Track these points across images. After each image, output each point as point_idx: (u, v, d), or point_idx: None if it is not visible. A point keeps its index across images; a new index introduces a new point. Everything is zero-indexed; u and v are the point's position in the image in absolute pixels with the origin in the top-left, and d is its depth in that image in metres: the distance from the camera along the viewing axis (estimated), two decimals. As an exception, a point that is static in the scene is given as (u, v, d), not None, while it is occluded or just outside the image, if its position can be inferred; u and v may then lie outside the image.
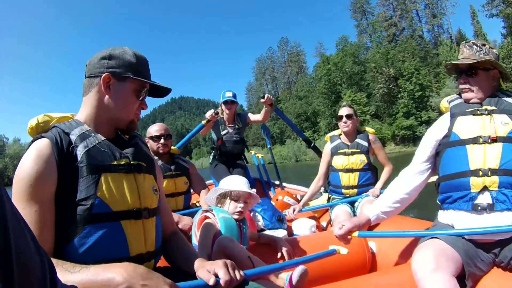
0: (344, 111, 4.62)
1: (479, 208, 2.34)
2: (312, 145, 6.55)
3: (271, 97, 5.56)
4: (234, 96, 5.96)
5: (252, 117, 6.18)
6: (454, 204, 2.50)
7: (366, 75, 70.56)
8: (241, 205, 2.85)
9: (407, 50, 67.62)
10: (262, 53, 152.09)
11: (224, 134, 6.04)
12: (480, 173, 2.37)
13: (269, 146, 7.70)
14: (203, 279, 1.63)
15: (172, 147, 4.47)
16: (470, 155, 2.45)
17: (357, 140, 4.63)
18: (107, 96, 1.78)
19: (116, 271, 1.42)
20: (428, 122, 56.01)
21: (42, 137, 1.67)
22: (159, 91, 2.00)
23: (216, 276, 1.64)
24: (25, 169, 1.55)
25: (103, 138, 1.77)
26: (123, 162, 1.77)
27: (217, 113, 5.73)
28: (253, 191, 2.94)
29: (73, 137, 1.69)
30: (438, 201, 2.68)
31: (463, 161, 2.46)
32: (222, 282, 1.61)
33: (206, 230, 2.61)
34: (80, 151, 1.66)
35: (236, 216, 2.82)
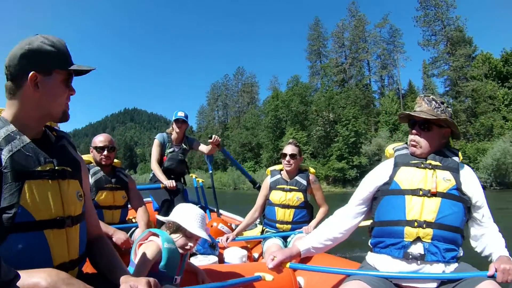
0: (288, 149, 4.70)
1: (410, 256, 2.44)
2: (257, 185, 6.56)
3: (218, 138, 5.89)
4: (186, 116, 6.22)
5: (200, 147, 6.48)
6: (386, 249, 2.58)
7: (309, 116, 73.10)
8: (192, 244, 2.83)
9: (349, 97, 70.42)
10: (218, 79, 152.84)
11: (170, 152, 6.22)
12: (416, 224, 2.46)
13: (210, 171, 7.74)
14: None
15: (115, 160, 4.55)
16: (408, 205, 2.54)
17: (297, 178, 4.73)
18: (37, 95, 1.72)
19: (40, 276, 1.46)
20: (358, 167, 59.65)
21: None
22: (82, 71, 1.91)
23: None
24: None
25: (28, 140, 1.71)
26: (47, 168, 1.73)
27: (176, 186, 5.77)
28: (207, 235, 2.89)
29: None
30: (370, 244, 2.76)
31: (400, 210, 2.55)
32: None
33: (149, 252, 2.56)
34: (4, 155, 1.61)
35: (181, 251, 2.80)
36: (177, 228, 2.77)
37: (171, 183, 5.66)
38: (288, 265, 2.77)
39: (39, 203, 1.65)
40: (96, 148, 4.27)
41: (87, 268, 2.07)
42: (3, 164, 1.58)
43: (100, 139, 4.30)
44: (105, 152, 4.24)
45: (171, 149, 6.23)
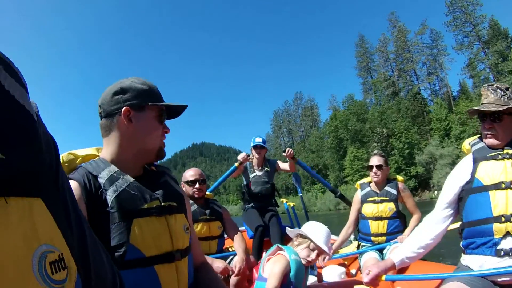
0: (374, 160, 4.72)
1: (502, 253, 2.38)
2: (338, 194, 6.79)
3: (292, 151, 5.84)
4: (264, 142, 6.18)
5: (281, 165, 6.35)
6: (478, 249, 2.54)
7: (366, 132, 76.70)
8: (314, 257, 2.94)
9: (400, 110, 74.34)
10: (279, 106, 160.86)
11: (253, 177, 6.14)
12: (503, 219, 2.39)
13: (300, 194, 7.67)
14: None
15: (207, 192, 4.67)
16: (493, 202, 2.47)
17: (386, 188, 4.68)
18: (131, 129, 1.79)
19: None
20: (416, 177, 63.32)
21: (70, 178, 1.66)
22: (176, 111, 2.01)
23: None
24: None
25: (132, 179, 1.76)
26: (154, 205, 1.76)
27: (248, 155, 6.00)
28: (330, 251, 3.04)
29: (101, 180, 1.69)
30: (461, 246, 2.72)
31: (486, 208, 2.49)
32: None
33: (279, 264, 2.68)
34: (110, 196, 1.66)
35: (304, 262, 2.89)
36: (303, 239, 2.96)
37: (241, 155, 5.95)
38: (383, 277, 2.80)
39: (148, 240, 1.69)
40: (187, 182, 4.39)
41: None
42: (109, 204, 1.64)
43: (190, 173, 4.44)
44: (197, 185, 4.35)
45: (253, 174, 6.19)
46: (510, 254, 2.36)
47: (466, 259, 2.65)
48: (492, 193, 2.50)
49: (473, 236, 2.59)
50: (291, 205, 7.66)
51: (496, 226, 2.42)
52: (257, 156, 6.16)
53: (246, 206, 6.19)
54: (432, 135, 69.84)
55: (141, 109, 1.80)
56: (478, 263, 2.52)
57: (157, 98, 1.87)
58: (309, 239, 2.93)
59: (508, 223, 2.38)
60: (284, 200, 7.79)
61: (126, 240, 1.61)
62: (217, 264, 3.79)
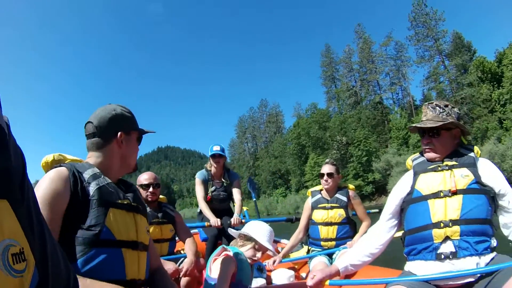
0: (326, 169, 4.83)
1: (443, 256, 2.51)
2: (294, 219, 6.77)
3: (239, 219, 5.69)
4: (222, 150, 6.13)
5: (237, 187, 6.31)
6: (419, 255, 2.66)
7: (326, 140, 78.87)
8: (259, 255, 3.13)
9: (361, 119, 76.74)
10: (244, 112, 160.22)
11: (212, 191, 6.14)
12: (442, 224, 2.53)
13: (254, 199, 7.92)
14: None
15: (161, 196, 4.81)
16: (432, 209, 2.61)
17: (337, 195, 4.84)
18: (122, 149, 2.22)
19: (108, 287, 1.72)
20: (373, 182, 65.83)
21: (60, 166, 2.04)
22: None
23: None
24: (44, 183, 1.87)
25: (109, 180, 2.11)
26: (126, 202, 2.11)
27: (222, 225, 5.65)
28: (274, 251, 3.21)
29: (86, 175, 2.02)
30: (404, 254, 2.84)
31: (425, 215, 2.62)
32: None
33: (226, 264, 2.84)
34: (92, 188, 1.98)
35: (250, 261, 3.07)
36: (247, 240, 3.12)
37: (216, 223, 5.62)
38: (327, 282, 2.85)
39: (120, 227, 2.01)
40: (141, 186, 4.48)
41: None
42: (91, 194, 1.96)
43: (144, 177, 4.55)
44: (151, 189, 4.47)
45: (213, 188, 6.19)
46: (451, 257, 2.49)
47: (409, 265, 2.78)
48: (431, 202, 2.65)
49: (414, 243, 2.73)
50: (244, 209, 7.62)
51: (435, 231, 2.57)
52: (215, 166, 6.18)
53: (201, 214, 6.24)
54: (391, 143, 72.91)
55: (128, 134, 2.25)
56: (421, 268, 2.64)
57: (136, 125, 2.34)
58: (253, 239, 3.09)
59: (447, 228, 2.53)
60: (245, 208, 7.74)
61: (102, 222, 1.91)
62: (168, 266, 3.94)
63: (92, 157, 2.18)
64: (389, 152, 66.74)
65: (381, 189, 65.22)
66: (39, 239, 0.88)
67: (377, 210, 4.51)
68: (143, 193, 4.46)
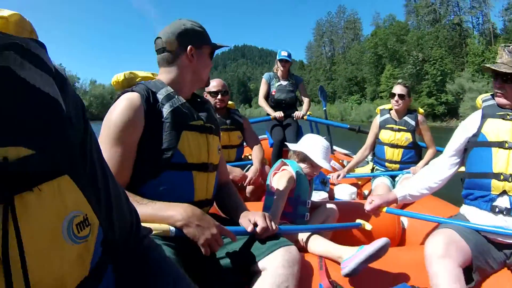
0: (397, 89, 4.77)
1: (497, 210, 2.45)
2: (358, 129, 6.76)
3: (300, 114, 6.40)
4: (289, 56, 6.42)
5: (302, 90, 6.75)
6: (475, 201, 2.62)
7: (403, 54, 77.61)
8: (316, 172, 3.13)
9: (439, 37, 75.24)
10: (322, 16, 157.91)
11: (278, 85, 6.45)
12: (502, 177, 2.46)
13: (324, 108, 7.86)
14: (243, 226, 2.02)
15: (230, 102, 4.85)
16: (494, 158, 2.54)
17: (406, 118, 4.82)
18: (193, 64, 2.16)
19: (177, 210, 1.78)
20: (446, 103, 64.64)
21: (133, 91, 1.97)
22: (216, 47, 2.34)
23: (255, 225, 1.98)
24: (117, 115, 1.86)
25: (184, 100, 2.08)
26: (199, 124, 2.10)
27: (284, 115, 6.12)
28: (330, 166, 3.09)
29: (160, 96, 2.01)
30: (462, 195, 2.80)
31: (487, 163, 2.57)
32: (258, 229, 1.95)
33: (284, 180, 2.85)
34: (166, 110, 1.97)
35: (308, 177, 3.06)
36: (303, 158, 3.05)
37: (279, 114, 6.02)
38: (385, 209, 2.88)
39: (192, 150, 2.03)
40: (210, 93, 4.54)
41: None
42: (164, 116, 1.96)
43: (213, 85, 4.54)
44: (219, 96, 4.52)
45: (278, 83, 6.46)
46: (504, 213, 2.42)
47: (464, 209, 2.75)
48: (495, 150, 2.56)
49: (472, 187, 2.67)
50: (308, 113, 7.31)
51: (494, 182, 2.49)
52: (281, 69, 6.47)
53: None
54: (467, 67, 68.97)
55: (200, 48, 2.19)
56: (475, 215, 2.60)
57: (208, 39, 2.28)
58: (308, 157, 3.02)
59: (506, 182, 2.44)
60: (309, 112, 7.52)
61: (175, 145, 1.96)
62: (235, 173, 4.11)
63: (163, 73, 2.18)
64: (463, 76, 64.45)
65: (453, 111, 63.60)
66: (104, 192, 0.99)
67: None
68: (211, 100, 4.52)
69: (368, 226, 2.93)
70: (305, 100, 6.71)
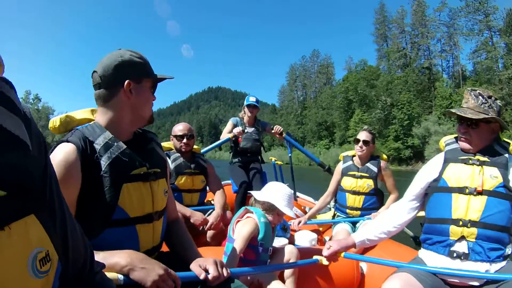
0: (362, 135, 4.84)
1: (455, 255, 2.50)
2: (326, 168, 6.75)
3: (280, 128, 6.35)
4: (257, 101, 6.37)
5: (271, 131, 6.55)
6: (433, 246, 2.65)
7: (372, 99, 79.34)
8: (281, 220, 3.17)
9: (408, 81, 77.05)
10: (296, 61, 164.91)
11: (244, 133, 6.24)
12: (461, 223, 2.49)
13: (289, 155, 7.64)
14: (195, 272, 1.92)
15: (195, 146, 4.82)
16: (454, 204, 2.57)
17: (368, 164, 4.83)
18: (132, 100, 1.96)
19: (121, 256, 1.72)
20: (412, 147, 66.48)
21: (68, 141, 1.81)
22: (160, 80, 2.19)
23: (206, 271, 1.91)
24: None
25: (124, 146, 1.92)
26: (141, 172, 1.96)
27: (243, 131, 6.08)
28: (294, 214, 3.17)
29: (97, 146, 1.85)
30: (420, 240, 2.85)
31: (447, 209, 2.60)
32: (210, 277, 1.88)
33: (248, 227, 2.87)
34: (104, 162, 1.83)
35: (272, 224, 3.09)
36: (269, 207, 3.03)
37: (238, 129, 5.93)
38: (342, 254, 2.89)
39: (134, 203, 1.90)
40: (176, 136, 4.57)
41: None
42: (103, 169, 1.82)
43: (179, 128, 4.59)
44: (185, 140, 4.51)
45: (245, 129, 6.31)
46: (462, 258, 2.47)
47: (422, 253, 2.77)
48: (455, 196, 2.59)
49: (431, 232, 2.70)
50: (278, 163, 7.84)
51: (452, 228, 2.53)
52: (249, 114, 6.35)
53: (233, 160, 6.46)
54: (434, 110, 72.01)
55: (139, 82, 1.99)
56: (432, 259, 2.63)
57: (150, 71, 2.08)
58: (275, 207, 3.01)
59: (465, 228, 2.48)
60: (273, 159, 7.97)
61: (115, 202, 1.84)
62: (196, 217, 4.07)
63: (101, 114, 2.01)
64: (429, 120, 67.11)
65: (419, 155, 65.24)
66: (60, 228, 0.99)
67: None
68: (177, 143, 4.57)
69: (325, 262, 2.90)
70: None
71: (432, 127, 62.47)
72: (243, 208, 3.17)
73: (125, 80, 1.93)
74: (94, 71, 1.97)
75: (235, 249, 2.73)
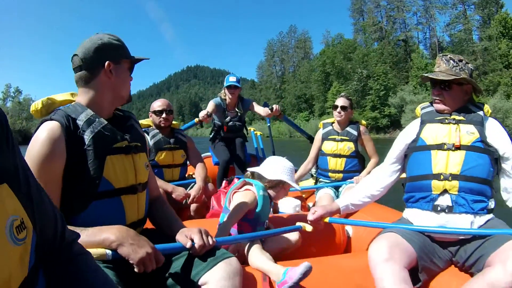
0: (340, 101, 4.86)
1: (439, 208, 2.54)
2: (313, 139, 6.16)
3: (279, 108, 5.74)
4: (238, 81, 5.99)
5: (256, 108, 6.13)
6: (417, 203, 2.69)
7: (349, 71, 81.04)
8: (286, 195, 3.19)
9: (383, 53, 79.51)
10: (273, 37, 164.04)
11: (228, 122, 6.11)
12: (442, 177, 2.56)
13: (268, 124, 7.79)
14: (181, 243, 1.96)
15: (174, 122, 4.81)
16: (434, 160, 2.63)
17: (348, 128, 4.90)
18: (112, 80, 2.04)
19: (110, 232, 1.74)
20: (389, 116, 68.98)
21: (52, 119, 1.86)
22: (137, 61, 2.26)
23: (192, 240, 1.95)
24: (37, 149, 1.78)
25: (105, 122, 1.99)
26: (123, 145, 2.04)
27: (210, 115, 5.62)
28: (298, 187, 3.22)
29: (80, 122, 1.90)
30: (403, 200, 2.86)
31: (427, 165, 2.66)
32: (196, 245, 1.93)
33: (245, 199, 2.78)
34: (87, 136, 1.88)
35: (275, 199, 3.15)
36: (277, 183, 2.99)
37: (202, 113, 5.50)
38: (327, 219, 2.91)
39: (118, 174, 1.98)
40: (154, 112, 4.59)
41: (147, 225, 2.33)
42: (87, 143, 1.87)
43: (158, 104, 4.62)
44: (164, 115, 4.53)
45: (227, 118, 6.13)
46: (446, 211, 2.52)
47: (407, 212, 2.81)
48: (434, 153, 2.66)
49: (413, 190, 2.74)
50: (258, 134, 7.82)
51: (434, 182, 2.58)
52: (230, 97, 5.97)
53: (216, 135, 6.34)
54: (411, 81, 73.38)
55: (118, 63, 2.08)
56: (417, 216, 2.67)
57: (128, 53, 2.18)
58: (283, 182, 2.99)
59: (446, 181, 2.54)
60: (252, 129, 7.88)
61: (100, 174, 1.90)
62: (178, 192, 4.16)
63: (82, 94, 2.06)
64: (405, 90, 68.85)
65: (396, 123, 68.65)
66: (25, 192, 1.03)
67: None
68: (156, 119, 4.60)
69: (308, 228, 2.88)
70: (260, 108, 6.19)
71: (407, 97, 63.71)
72: (241, 179, 3.13)
73: (105, 61, 2.01)
74: (75, 55, 2.04)
75: (229, 219, 2.74)
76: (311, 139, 6.38)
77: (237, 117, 6.21)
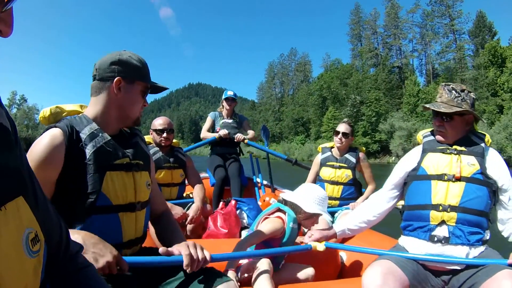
0: (342, 127, 4.87)
1: (436, 239, 2.53)
2: (294, 161, 6.85)
3: (242, 137, 6.21)
4: (235, 95, 6.57)
5: (246, 127, 6.72)
6: (414, 232, 2.68)
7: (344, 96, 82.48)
8: (313, 224, 3.11)
9: (377, 80, 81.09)
10: (274, 58, 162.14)
11: (223, 123, 6.44)
12: (440, 208, 2.55)
13: (266, 147, 7.54)
14: (173, 256, 1.90)
15: (174, 140, 4.81)
16: (434, 190, 2.62)
17: (347, 155, 4.88)
18: (119, 97, 2.00)
19: (76, 237, 1.63)
20: (379, 142, 72.38)
21: (56, 127, 1.87)
22: (157, 89, 2.27)
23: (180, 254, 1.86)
24: (37, 151, 1.79)
25: (109, 137, 1.97)
26: (124, 162, 2.01)
27: (229, 133, 6.08)
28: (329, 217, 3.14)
29: (83, 135, 1.89)
30: (400, 227, 2.84)
31: (427, 195, 2.64)
32: (184, 257, 1.84)
33: (272, 227, 2.79)
34: (88, 150, 1.87)
35: (304, 228, 3.16)
36: (311, 215, 3.00)
37: (223, 131, 5.95)
38: (323, 243, 2.84)
39: (117, 191, 1.94)
40: (155, 130, 4.56)
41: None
42: (87, 157, 1.86)
43: (159, 122, 4.58)
44: (164, 134, 4.51)
45: (223, 121, 6.49)
46: (443, 242, 2.51)
47: (403, 240, 2.80)
48: (434, 183, 2.64)
49: (411, 219, 2.73)
50: (255, 156, 7.64)
51: (433, 213, 2.58)
52: (227, 107, 6.48)
53: (212, 150, 6.58)
54: (402, 107, 75.96)
55: (130, 82, 2.03)
56: (413, 245, 2.66)
57: (146, 76, 2.12)
58: (318, 214, 3.01)
59: (445, 212, 2.53)
60: (250, 152, 7.67)
61: (99, 188, 1.87)
62: (176, 211, 4.14)
63: (91, 105, 2.07)
64: (394, 117, 69.98)
65: (386, 149, 70.40)
66: (36, 203, 1.02)
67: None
68: (156, 137, 4.58)
69: (320, 247, 2.82)
70: (250, 131, 6.68)
71: (396, 123, 66.03)
72: (275, 205, 3.10)
73: (115, 77, 1.99)
74: (95, 64, 2.07)
75: (248, 238, 2.74)
76: (289, 160, 6.90)
77: (233, 121, 6.62)
